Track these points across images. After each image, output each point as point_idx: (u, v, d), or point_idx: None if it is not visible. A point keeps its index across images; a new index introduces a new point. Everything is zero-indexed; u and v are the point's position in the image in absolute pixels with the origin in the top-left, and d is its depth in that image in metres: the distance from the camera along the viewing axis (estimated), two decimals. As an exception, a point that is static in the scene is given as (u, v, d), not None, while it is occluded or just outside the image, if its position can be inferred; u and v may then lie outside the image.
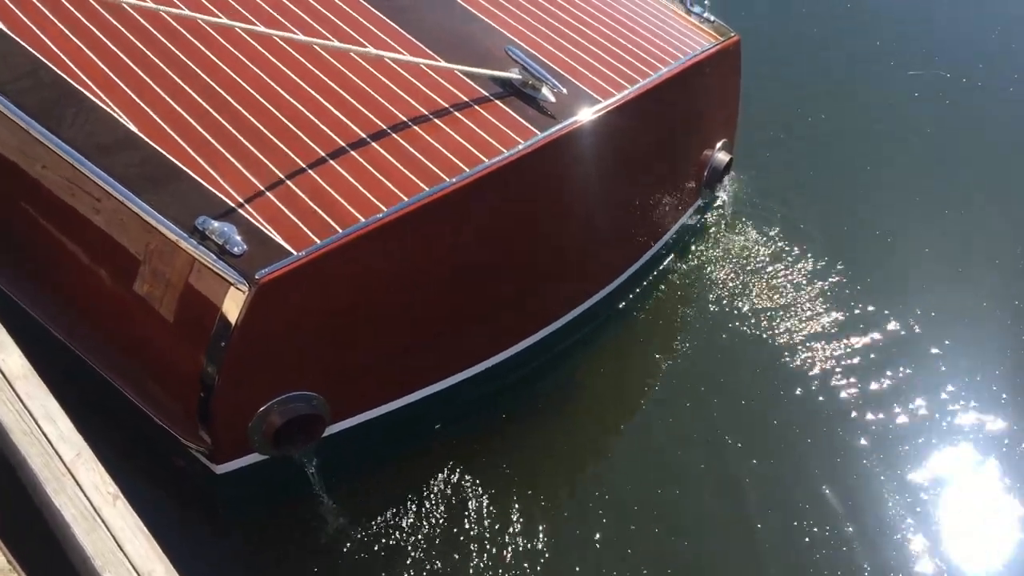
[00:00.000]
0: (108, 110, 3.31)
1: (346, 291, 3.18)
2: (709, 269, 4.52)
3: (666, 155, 4.16)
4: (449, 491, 3.53)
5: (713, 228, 4.71)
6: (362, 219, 3.09)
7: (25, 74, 3.41)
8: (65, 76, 3.39)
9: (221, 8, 3.62)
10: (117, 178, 3.19)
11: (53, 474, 2.18)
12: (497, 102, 3.48)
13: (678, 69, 3.83)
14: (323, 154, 3.23)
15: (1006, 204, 5.20)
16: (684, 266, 4.51)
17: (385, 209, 3.12)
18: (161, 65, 3.42)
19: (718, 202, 4.77)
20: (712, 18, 4.29)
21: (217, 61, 3.44)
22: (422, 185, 3.19)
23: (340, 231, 3.05)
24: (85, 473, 2.21)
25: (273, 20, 3.64)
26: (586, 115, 3.51)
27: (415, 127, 3.35)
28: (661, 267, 4.48)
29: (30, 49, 3.45)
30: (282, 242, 3.02)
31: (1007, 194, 5.27)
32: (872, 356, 4.28)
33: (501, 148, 3.32)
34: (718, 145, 4.46)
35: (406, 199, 3.15)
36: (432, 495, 3.51)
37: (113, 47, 3.47)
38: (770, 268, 4.56)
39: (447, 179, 3.21)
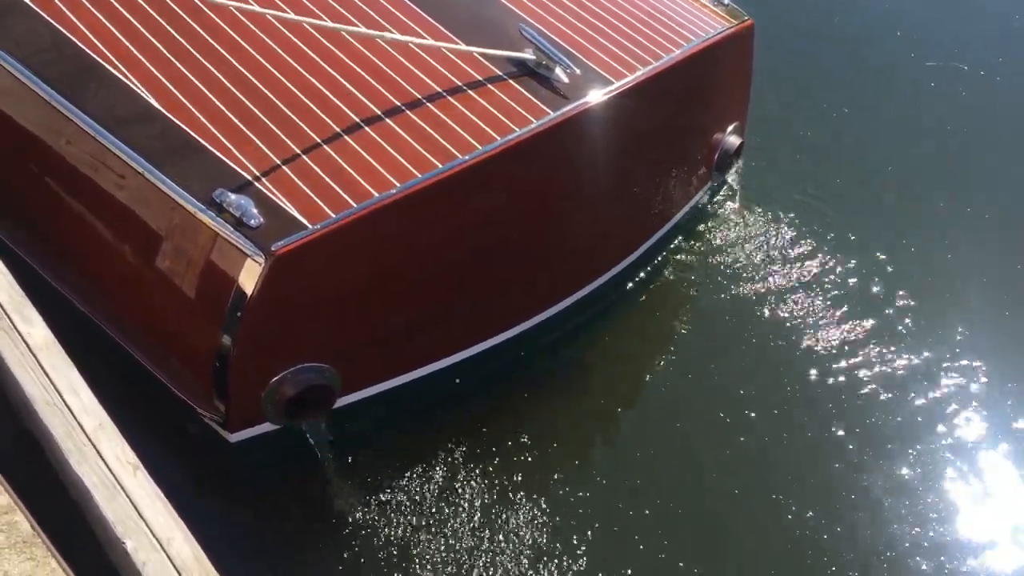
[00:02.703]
0: (129, 83, 3.36)
1: (360, 265, 3.24)
2: (718, 252, 4.55)
3: (677, 137, 4.19)
4: (457, 465, 3.60)
5: (723, 211, 4.74)
6: (376, 194, 3.15)
7: (48, 47, 3.45)
8: (87, 49, 3.43)
9: None
10: (137, 150, 3.24)
11: (76, 444, 2.25)
12: (511, 81, 3.52)
13: (691, 52, 3.86)
14: (339, 130, 3.28)
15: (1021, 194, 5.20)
16: (693, 248, 4.55)
17: (399, 185, 3.17)
18: (181, 40, 3.46)
19: (728, 185, 4.80)
20: (726, 1, 4.30)
21: (236, 36, 3.48)
22: (435, 162, 3.23)
23: (355, 205, 3.11)
24: (106, 443, 2.28)
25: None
26: (598, 96, 3.55)
27: (429, 105, 3.39)
28: (669, 248, 4.51)
29: (52, 22, 3.49)
30: (297, 215, 3.07)
31: (1020, 185, 5.27)
32: (881, 342, 4.31)
33: (514, 127, 3.36)
34: (729, 128, 4.48)
35: (419, 175, 3.20)
36: (440, 469, 3.58)
37: (134, 21, 3.51)
38: (779, 252, 4.60)
39: (460, 156, 3.26)
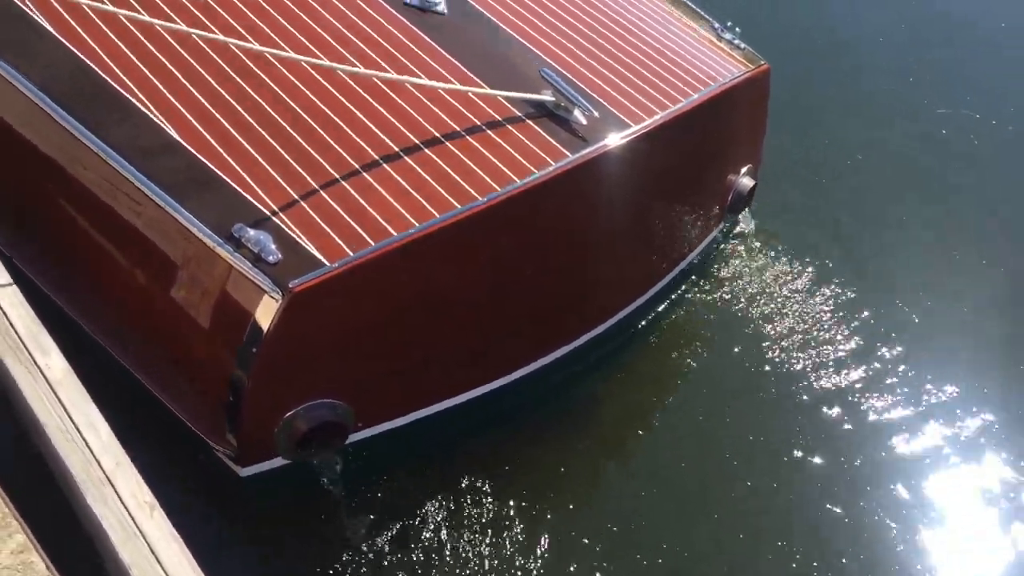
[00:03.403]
0: (150, 114, 3.37)
1: (376, 302, 3.25)
2: (728, 293, 4.56)
3: (692, 179, 4.21)
4: (470, 500, 3.59)
5: (734, 253, 4.75)
6: (394, 233, 3.16)
7: (69, 75, 3.47)
8: (108, 78, 3.45)
9: (257, 36, 3.63)
10: (157, 182, 3.25)
11: (93, 482, 2.25)
12: (530, 123, 3.54)
13: (708, 96, 3.88)
14: (358, 168, 3.29)
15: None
16: (704, 288, 4.56)
17: (417, 224, 3.18)
18: (203, 73, 3.47)
19: (741, 227, 4.82)
20: (743, 45, 4.33)
21: (259, 72, 3.50)
22: (454, 202, 3.25)
23: (372, 244, 3.12)
24: (123, 482, 2.28)
25: (314, 34, 3.68)
26: (616, 139, 3.57)
27: (449, 145, 3.41)
28: (682, 288, 4.52)
29: (74, 50, 3.51)
30: (315, 252, 3.08)
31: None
32: (898, 386, 4.31)
33: (532, 168, 3.38)
34: (743, 170, 4.50)
35: (438, 215, 3.21)
36: (453, 504, 3.57)
37: (156, 52, 3.52)
38: (789, 294, 4.61)
39: (479, 197, 3.27)
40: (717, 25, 4.43)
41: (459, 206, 3.24)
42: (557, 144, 3.49)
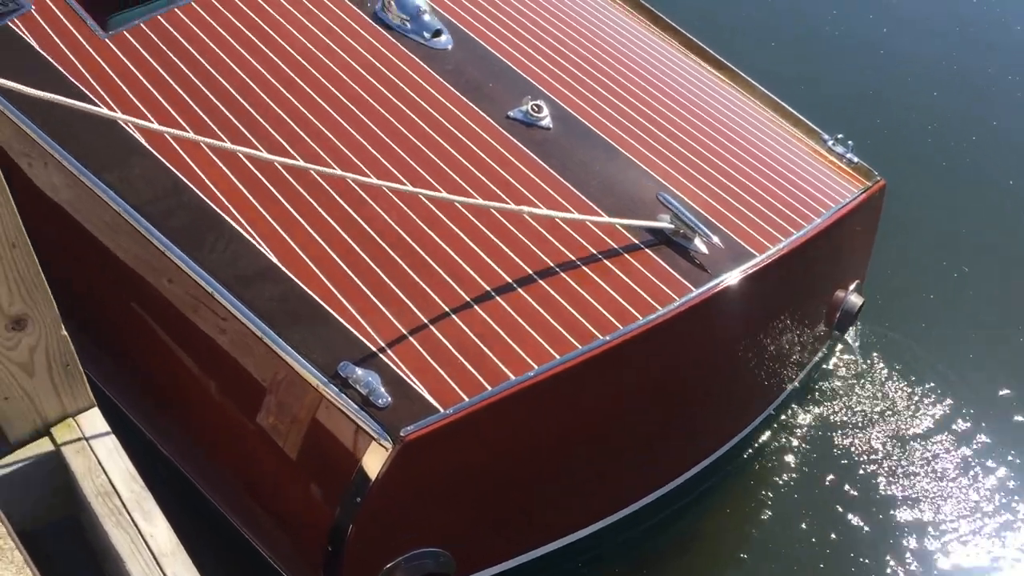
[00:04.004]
0: (250, 239, 3.21)
1: (491, 450, 3.03)
2: (834, 418, 4.30)
3: (804, 302, 3.98)
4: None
5: (840, 374, 4.49)
6: (512, 376, 2.95)
7: (166, 195, 3.32)
8: (207, 199, 3.29)
9: (374, 166, 3.44)
10: (257, 312, 3.07)
11: None
12: (648, 251, 3.33)
13: (829, 221, 3.66)
14: (473, 304, 3.08)
15: None
16: (808, 415, 4.30)
17: (536, 367, 2.97)
18: (307, 197, 3.29)
19: (846, 345, 4.56)
20: (856, 159, 4.11)
21: (367, 198, 3.31)
22: (574, 342, 3.03)
23: (489, 388, 2.91)
24: None
25: (420, 155, 3.49)
26: (739, 269, 3.35)
27: (566, 277, 3.20)
28: (783, 417, 4.27)
29: (172, 168, 3.36)
30: (428, 397, 2.88)
31: None
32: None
33: (655, 304, 3.16)
34: (851, 287, 4.26)
35: (558, 356, 3.00)
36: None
37: (258, 174, 3.35)
38: (900, 420, 4.33)
39: (599, 336, 3.06)
40: (827, 137, 4.23)
41: (580, 346, 3.02)
42: (678, 275, 3.27)
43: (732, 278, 3.32)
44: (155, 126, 2.99)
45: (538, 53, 4.02)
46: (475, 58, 3.91)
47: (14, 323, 2.34)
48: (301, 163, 3.10)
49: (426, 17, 3.96)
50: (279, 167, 3.31)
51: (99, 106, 3.46)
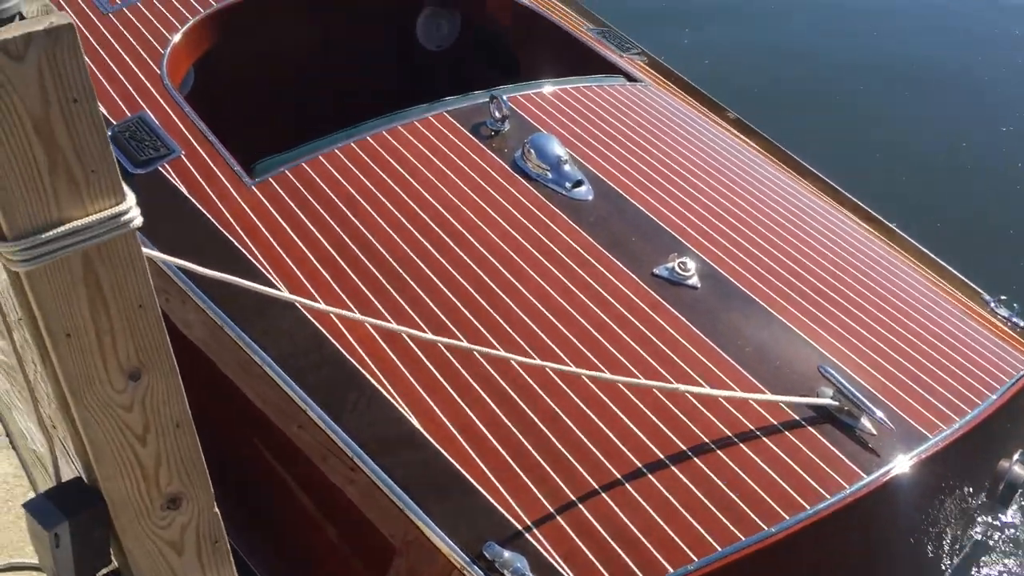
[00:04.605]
0: (393, 402, 3.08)
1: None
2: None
3: (972, 479, 3.68)
4: None
5: (1001, 551, 4.14)
6: (671, 569, 2.72)
7: (308, 350, 3.23)
8: (349, 357, 3.20)
9: (524, 333, 3.29)
10: (397, 480, 2.93)
11: None
12: (812, 430, 3.09)
13: (1004, 399, 3.39)
14: (626, 484, 2.89)
15: None
16: (972, 597, 3.97)
17: (696, 559, 2.74)
18: (454, 362, 3.17)
19: (1006, 521, 4.22)
20: (1021, 323, 3.85)
21: (518, 368, 3.15)
22: (738, 534, 2.80)
23: (645, 582, 2.70)
24: None
25: (577, 327, 3.31)
26: (912, 453, 3.10)
27: (725, 458, 2.98)
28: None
29: (315, 322, 3.29)
30: (579, 586, 2.68)
31: None
32: None
33: (824, 493, 2.92)
34: (1015, 456, 3.94)
35: (720, 549, 2.77)
36: None
37: (403, 334, 3.24)
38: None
39: (765, 528, 2.82)
40: (989, 299, 3.98)
41: (743, 538, 2.79)
42: (845, 459, 3.03)
43: (904, 463, 3.07)
44: (321, 306, 2.92)
45: (681, 206, 3.88)
46: (616, 210, 3.79)
47: (170, 502, 2.23)
48: (465, 344, 2.98)
49: (566, 167, 3.87)
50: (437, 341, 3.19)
51: (250, 259, 3.45)
